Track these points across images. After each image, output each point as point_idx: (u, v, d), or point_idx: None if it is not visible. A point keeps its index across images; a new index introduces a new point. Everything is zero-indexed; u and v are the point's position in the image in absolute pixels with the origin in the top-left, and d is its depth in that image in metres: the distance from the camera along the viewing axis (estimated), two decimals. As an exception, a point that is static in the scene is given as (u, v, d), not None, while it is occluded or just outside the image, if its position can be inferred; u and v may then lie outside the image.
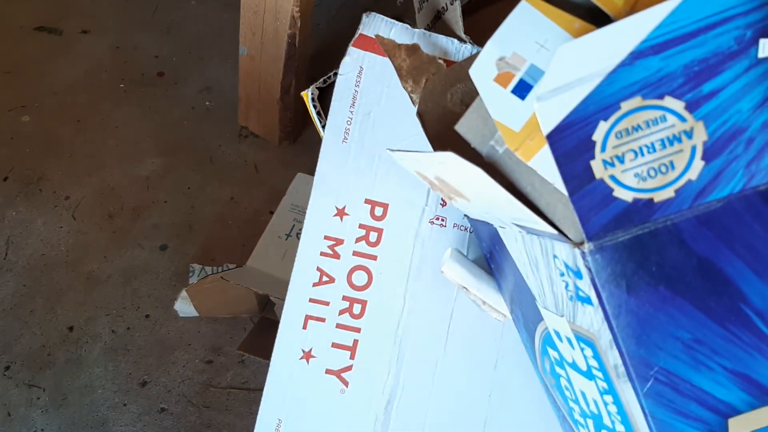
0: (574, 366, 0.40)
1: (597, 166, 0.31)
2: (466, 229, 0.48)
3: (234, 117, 1.20)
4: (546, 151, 0.31)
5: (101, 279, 1.07)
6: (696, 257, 0.31)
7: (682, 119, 0.30)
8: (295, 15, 0.98)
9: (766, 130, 0.30)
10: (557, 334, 0.40)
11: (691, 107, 0.30)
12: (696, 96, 0.30)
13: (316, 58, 1.15)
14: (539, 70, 0.32)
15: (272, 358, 0.45)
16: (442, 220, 0.48)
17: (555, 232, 0.33)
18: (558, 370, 0.43)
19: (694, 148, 0.30)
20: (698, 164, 0.30)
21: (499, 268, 0.46)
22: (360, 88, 0.46)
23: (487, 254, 0.47)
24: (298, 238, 0.92)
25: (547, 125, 0.30)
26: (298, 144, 1.19)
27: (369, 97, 0.46)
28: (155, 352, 1.02)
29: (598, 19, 0.32)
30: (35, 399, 0.97)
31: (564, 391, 0.43)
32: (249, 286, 0.86)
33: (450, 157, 0.32)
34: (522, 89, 0.32)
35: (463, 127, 0.34)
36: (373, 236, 0.46)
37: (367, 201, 0.46)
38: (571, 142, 0.31)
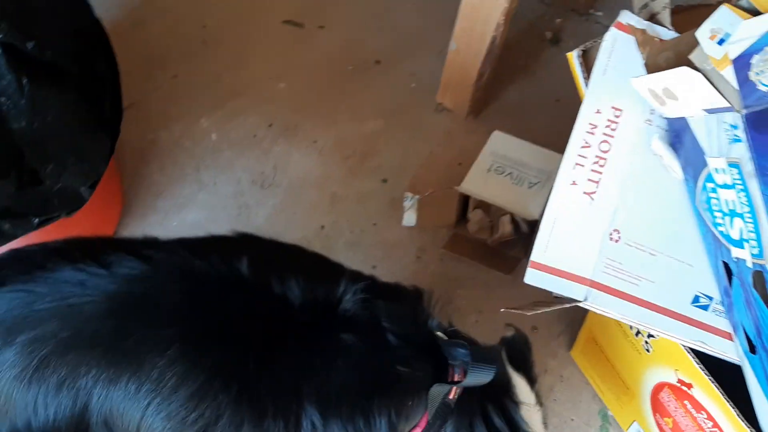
0: (723, 186, 0.80)
1: (752, 74, 0.72)
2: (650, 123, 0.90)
3: (432, 95, 1.64)
4: (730, 68, 0.73)
5: (342, 197, 1.52)
6: None
7: (792, 55, 0.72)
8: (500, 22, 1.41)
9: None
10: (716, 170, 0.81)
11: (796, 50, 0.71)
12: (799, 46, 0.72)
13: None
14: (729, 34, 0.73)
15: (555, 186, 0.87)
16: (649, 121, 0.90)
17: (729, 105, 0.74)
18: (711, 195, 0.83)
19: (796, 68, 0.72)
20: (797, 75, 0.72)
21: (681, 143, 0.87)
22: (613, 49, 0.88)
23: (674, 139, 0.88)
24: (497, 173, 1.35)
25: (733, 55, 0.72)
26: (480, 118, 1.62)
27: (618, 54, 0.88)
28: (383, 249, 1.45)
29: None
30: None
31: (712, 207, 0.83)
32: (478, 196, 1.30)
33: (684, 69, 0.74)
34: (721, 42, 0.73)
35: (694, 57, 0.76)
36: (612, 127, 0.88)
37: (613, 107, 0.88)
38: (742, 63, 0.72)
